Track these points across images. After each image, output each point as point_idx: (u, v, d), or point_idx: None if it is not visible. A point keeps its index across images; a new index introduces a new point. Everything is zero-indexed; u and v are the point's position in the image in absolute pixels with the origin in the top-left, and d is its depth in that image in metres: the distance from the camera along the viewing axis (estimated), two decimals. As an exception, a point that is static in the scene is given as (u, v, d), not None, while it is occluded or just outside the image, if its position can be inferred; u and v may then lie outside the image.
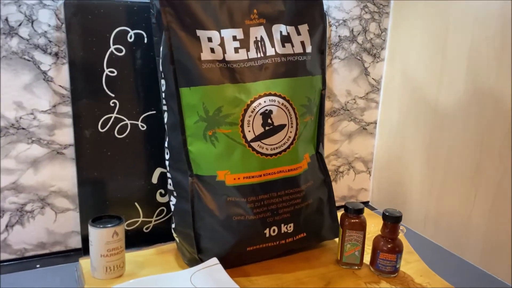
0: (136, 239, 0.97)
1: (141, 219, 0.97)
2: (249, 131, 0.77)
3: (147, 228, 0.98)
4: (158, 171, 0.97)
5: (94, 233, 0.79)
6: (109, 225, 0.79)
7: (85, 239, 0.91)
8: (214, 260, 0.78)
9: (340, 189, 1.21)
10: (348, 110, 1.16)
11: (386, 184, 1.21)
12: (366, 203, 1.25)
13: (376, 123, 1.21)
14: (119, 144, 0.92)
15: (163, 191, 0.98)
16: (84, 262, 0.85)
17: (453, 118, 0.98)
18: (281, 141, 0.80)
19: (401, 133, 1.13)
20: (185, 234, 0.82)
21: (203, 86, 0.75)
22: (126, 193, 0.95)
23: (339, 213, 0.89)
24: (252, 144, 0.78)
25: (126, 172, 0.94)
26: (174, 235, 0.86)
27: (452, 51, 0.97)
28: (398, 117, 1.14)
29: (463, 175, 0.96)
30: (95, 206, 0.93)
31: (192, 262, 0.83)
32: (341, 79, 1.13)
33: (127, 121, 0.92)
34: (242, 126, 0.77)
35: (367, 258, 0.86)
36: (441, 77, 1.00)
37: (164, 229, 0.99)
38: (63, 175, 0.92)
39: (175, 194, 0.84)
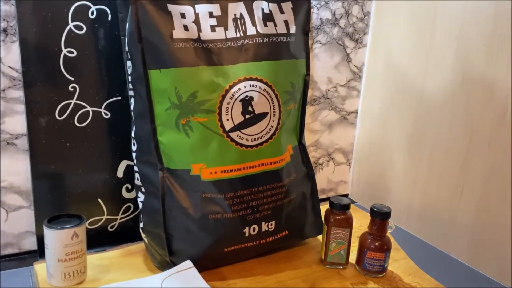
0: (99, 239, 0.88)
1: (105, 216, 0.88)
2: (228, 120, 0.69)
3: (112, 227, 0.89)
4: (124, 164, 0.87)
5: (51, 235, 0.69)
6: (68, 226, 0.70)
7: (41, 240, 0.81)
8: (188, 263, 0.71)
9: (320, 181, 1.15)
10: (329, 98, 1.10)
11: (366, 177, 1.16)
12: (345, 196, 1.19)
13: (357, 113, 1.15)
14: (79, 133, 0.82)
15: (129, 186, 0.89)
16: (39, 267, 0.76)
17: (440, 107, 0.93)
18: (262, 131, 0.72)
19: (384, 123, 1.08)
20: (155, 234, 0.74)
21: (176, 68, 0.66)
22: (88, 188, 0.85)
23: (323, 209, 0.83)
24: (230, 134, 0.70)
25: (88, 165, 0.84)
26: (143, 235, 0.78)
27: (440, 37, 0.92)
28: (381, 106, 1.09)
29: (449, 167, 0.92)
30: (53, 203, 0.83)
31: (163, 265, 0.75)
32: (322, 65, 1.06)
33: (89, 108, 0.82)
34: (219, 114, 0.69)
35: (352, 257, 0.80)
36: (428, 64, 0.95)
37: (131, 228, 0.90)
38: (15, 169, 0.81)
39: (143, 190, 0.76)
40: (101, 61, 0.81)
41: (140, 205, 0.77)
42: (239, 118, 0.70)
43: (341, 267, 0.79)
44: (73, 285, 0.71)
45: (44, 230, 0.70)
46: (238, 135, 0.70)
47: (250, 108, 0.70)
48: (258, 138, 0.72)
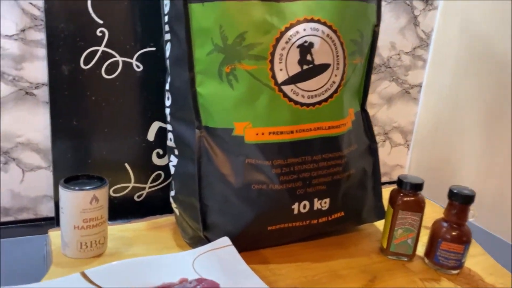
0: (124, 209, 0.78)
1: (132, 184, 0.78)
2: (281, 70, 0.57)
3: (139, 196, 0.79)
4: (155, 125, 0.77)
5: (67, 197, 0.59)
6: (87, 188, 0.60)
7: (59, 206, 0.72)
8: (225, 240, 0.59)
9: (372, 164, 1.01)
10: (390, 67, 0.95)
11: (428, 161, 1.01)
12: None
13: (421, 86, 1.00)
14: (107, 86, 0.72)
15: (161, 151, 0.78)
16: (54, 234, 0.66)
17: (530, 79, 0.77)
18: (322, 86, 0.59)
19: (453, 100, 0.93)
20: (187, 204, 0.63)
21: (222, 1, 0.54)
22: (114, 150, 0.75)
23: (386, 191, 0.70)
24: (283, 88, 0.57)
25: (115, 124, 0.74)
26: (173, 205, 0.67)
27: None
28: (451, 79, 0.94)
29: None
30: (74, 165, 0.73)
31: (195, 241, 0.63)
32: (385, 27, 0.91)
33: (118, 58, 0.71)
34: (271, 61, 0.57)
35: (418, 249, 0.67)
36: (517, 27, 0.80)
37: (161, 199, 0.80)
38: (33, 123, 0.72)
39: (176, 152, 0.64)
40: (135, 4, 0.70)
41: (172, 170, 0.66)
42: (295, 69, 0.57)
43: (406, 258, 0.65)
44: (90, 257, 0.61)
45: (59, 191, 0.60)
46: (292, 89, 0.58)
47: (309, 57, 0.57)
48: (316, 96, 0.59)
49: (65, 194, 0.59)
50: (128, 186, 0.77)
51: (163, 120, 0.76)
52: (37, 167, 0.74)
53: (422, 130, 1.02)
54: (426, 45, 0.97)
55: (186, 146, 0.62)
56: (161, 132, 0.77)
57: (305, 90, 0.58)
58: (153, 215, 0.76)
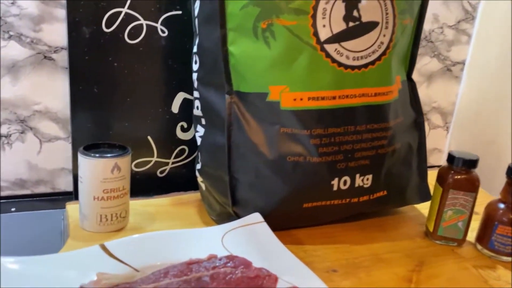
0: (146, 185, 0.73)
1: (154, 159, 0.73)
2: (324, 26, 0.51)
3: (162, 172, 0.74)
4: (180, 96, 0.72)
5: (86, 165, 0.54)
6: (109, 155, 0.55)
7: (78, 180, 0.67)
8: (257, 216, 0.54)
9: (408, 147, 0.95)
10: (432, 42, 0.88)
11: (469, 146, 0.93)
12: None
13: (464, 64, 0.93)
14: (130, 52, 0.67)
15: (185, 125, 0.73)
16: (72, 207, 0.62)
17: None
18: (369, 47, 0.53)
19: (499, 79, 0.86)
20: (215, 178, 0.57)
21: None
22: (137, 122, 0.70)
23: (431, 172, 0.64)
24: (326, 47, 0.51)
25: (138, 92, 0.69)
26: (199, 179, 0.62)
27: None
28: (498, 57, 0.86)
29: None
30: (94, 136, 0.69)
31: (223, 218, 0.58)
32: (428, -3, 0.85)
33: (142, 21, 0.66)
34: (313, 16, 0.51)
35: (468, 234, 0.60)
36: None
37: (184, 175, 0.75)
38: (52, 90, 0.67)
39: (203, 121, 0.59)
40: (161, -39, 0.65)
41: (199, 141, 0.60)
42: (339, 26, 0.51)
43: (455, 244, 0.59)
44: (110, 231, 0.57)
45: (78, 159, 0.55)
46: (336, 49, 0.52)
47: (355, 13, 0.51)
48: (362, 57, 0.53)
49: (84, 161, 0.54)
50: (151, 161, 0.73)
51: (189, 91, 0.71)
52: (55, 138, 0.70)
53: (463, 111, 0.95)
54: (471, 19, 0.89)
55: (214, 114, 0.56)
56: (186, 104, 0.72)
57: (351, 51, 0.52)
58: (176, 191, 0.72)
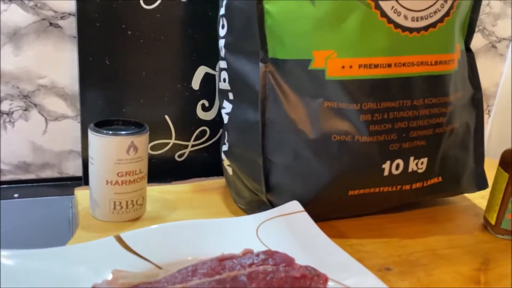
0: (162, 170, 0.66)
1: (172, 141, 0.65)
2: (380, -20, 0.43)
3: (180, 156, 0.67)
4: (201, 71, 0.64)
5: (98, 143, 0.47)
6: (124, 133, 0.48)
7: (88, 163, 0.60)
8: (295, 205, 0.46)
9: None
10: (477, 14, 0.80)
11: (513, 130, 0.85)
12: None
13: (510, 41, 0.84)
14: (145, 19, 0.59)
15: (206, 103, 0.65)
16: (82, 193, 0.55)
17: None
18: (431, 6, 0.45)
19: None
20: (246, 160, 0.50)
21: None
22: (153, 98, 0.63)
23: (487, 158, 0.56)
24: (381, 4, 0.43)
25: (155, 65, 0.61)
26: (226, 162, 0.54)
27: None
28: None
29: None
30: (106, 114, 0.61)
31: (253, 206, 0.51)
32: (475, -36, 0.76)
33: (160, -16, 0.59)
34: (368, -32, 0.43)
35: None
36: None
37: (205, 160, 0.67)
38: (58, 61, 0.60)
39: (231, 96, 0.52)
40: None
41: (226, 118, 0.53)
42: (398, -21, 0.43)
43: (521, 239, 0.52)
44: (125, 220, 0.49)
45: (89, 137, 0.48)
46: (393, 7, 0.44)
47: (417, -36, 0.43)
48: (423, 18, 0.45)
49: (96, 140, 0.47)
50: (168, 143, 0.65)
51: (211, 64, 0.63)
52: (62, 116, 0.62)
53: (508, 93, 0.86)
54: (521, -11, 0.81)
55: (245, 86, 0.49)
56: (208, 80, 0.64)
57: (410, 9, 0.44)
58: (196, 177, 0.65)
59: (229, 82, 0.51)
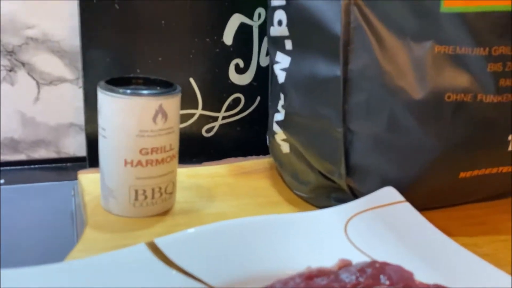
0: (187, 148, 0.52)
1: (199, 111, 0.52)
2: None
3: (209, 130, 0.53)
4: (235, 20, 0.50)
5: (114, 108, 0.33)
6: (149, 92, 0.34)
7: (92, 140, 0.47)
8: (392, 193, 0.33)
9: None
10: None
11: None
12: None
13: None
14: None
15: (241, 63, 0.52)
16: (88, 179, 0.41)
17: None
18: None
19: None
20: (315, 132, 0.36)
21: None
22: (174, 56, 0.49)
23: None
24: None
25: (176, 13, 0.47)
26: (280, 136, 0.41)
27: None
28: None
29: None
30: (114, 76, 0.48)
31: (319, 193, 0.38)
32: None
33: None
34: None
35: None
36: None
37: (239, 135, 0.54)
38: (52, 6, 0.46)
39: (289, 44, 0.38)
40: None
41: (281, 76, 0.39)
42: None
43: None
44: (151, 215, 0.36)
45: (99, 99, 0.34)
46: None
47: None
48: None
49: (110, 103, 0.33)
50: (194, 114, 0.52)
51: (247, 12, 0.49)
52: (58, 79, 0.49)
53: None
54: None
55: (315, 27, 0.35)
56: (244, 32, 0.50)
57: None
58: (228, 157, 0.51)
59: (288, 25, 0.38)
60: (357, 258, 0.28)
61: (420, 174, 0.34)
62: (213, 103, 0.52)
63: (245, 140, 0.55)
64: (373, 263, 0.27)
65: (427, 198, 0.36)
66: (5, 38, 0.45)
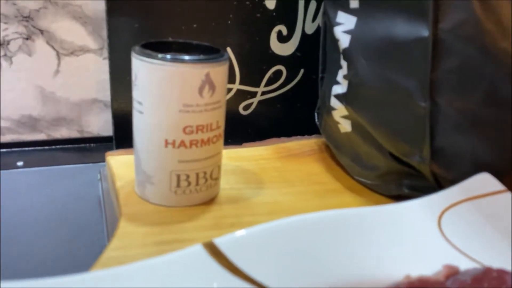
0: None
1: (236, 86, 0.46)
2: None
3: (247, 107, 0.48)
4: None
5: (153, 77, 0.28)
6: (194, 58, 0.28)
7: (120, 117, 0.42)
8: (489, 180, 0.28)
9: None
10: None
11: None
12: None
13: None
14: None
15: (284, 30, 0.46)
16: (119, 162, 0.36)
17: None
18: None
19: None
20: (389, 107, 0.30)
21: None
22: (210, 23, 0.43)
23: None
24: None
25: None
26: (340, 112, 0.35)
27: None
28: None
29: None
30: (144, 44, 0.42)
31: (389, 180, 0.32)
32: None
33: None
34: None
35: None
36: None
37: (281, 112, 0.49)
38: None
39: (354, 3, 0.32)
40: None
41: (345, 40, 0.33)
42: None
43: None
44: (196, 204, 0.31)
45: (134, 67, 0.29)
46: None
47: None
48: None
49: (147, 70, 0.28)
50: (230, 89, 0.46)
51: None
52: (81, 49, 0.43)
53: None
54: None
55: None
56: (287, -3, 0.44)
57: None
58: (269, 137, 0.46)
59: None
60: (460, 262, 0.23)
61: (523, 157, 0.28)
62: (251, 76, 0.47)
63: (286, 118, 0.49)
64: (488, 271, 0.21)
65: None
66: (21, 1, 0.40)
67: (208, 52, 0.31)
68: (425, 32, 0.27)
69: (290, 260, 0.21)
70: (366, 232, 0.24)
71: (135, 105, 0.29)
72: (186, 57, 0.28)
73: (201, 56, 0.28)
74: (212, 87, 0.28)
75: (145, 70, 0.28)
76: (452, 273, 0.21)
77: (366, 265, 0.22)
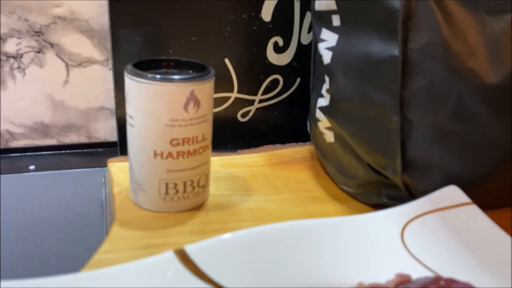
0: (221, 134, 0.49)
1: (234, 94, 0.49)
2: None
3: (244, 115, 0.50)
4: (274, -4, 0.46)
5: (140, 94, 0.30)
6: (179, 78, 0.31)
7: (124, 124, 0.45)
8: (456, 193, 0.29)
9: None
10: None
11: None
12: None
13: None
14: None
15: (280, 41, 0.47)
16: (117, 168, 0.39)
17: None
18: None
19: None
20: (365, 120, 0.32)
21: None
22: (209, 35, 0.45)
23: None
24: None
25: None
26: (324, 124, 0.36)
27: None
28: None
29: None
30: (146, 56, 0.45)
31: (369, 189, 0.34)
32: None
33: None
34: None
35: None
36: None
37: (278, 120, 0.51)
38: (80, -17, 0.44)
39: (336, 21, 0.33)
40: None
41: (327, 56, 0.35)
42: None
43: None
44: (184, 209, 0.34)
45: (126, 86, 0.31)
46: None
47: None
48: None
49: (137, 89, 0.30)
50: (229, 98, 0.48)
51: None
52: (87, 60, 0.46)
53: None
54: None
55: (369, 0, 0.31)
56: (283, 9, 0.46)
57: None
58: (264, 144, 0.48)
59: (336, -1, 0.33)
60: (416, 272, 0.25)
61: (490, 170, 0.29)
62: (249, 85, 0.49)
63: (283, 125, 0.51)
64: (437, 280, 0.23)
65: (495, 197, 0.31)
66: (32, 17, 0.43)
67: (196, 68, 0.33)
68: (396, 51, 0.29)
69: (253, 267, 0.23)
70: (330, 241, 0.25)
71: (128, 119, 0.32)
72: (173, 77, 0.30)
73: (186, 75, 0.31)
74: (197, 103, 0.30)
75: (136, 88, 0.30)
76: (404, 281, 0.23)
77: (322, 273, 0.24)
